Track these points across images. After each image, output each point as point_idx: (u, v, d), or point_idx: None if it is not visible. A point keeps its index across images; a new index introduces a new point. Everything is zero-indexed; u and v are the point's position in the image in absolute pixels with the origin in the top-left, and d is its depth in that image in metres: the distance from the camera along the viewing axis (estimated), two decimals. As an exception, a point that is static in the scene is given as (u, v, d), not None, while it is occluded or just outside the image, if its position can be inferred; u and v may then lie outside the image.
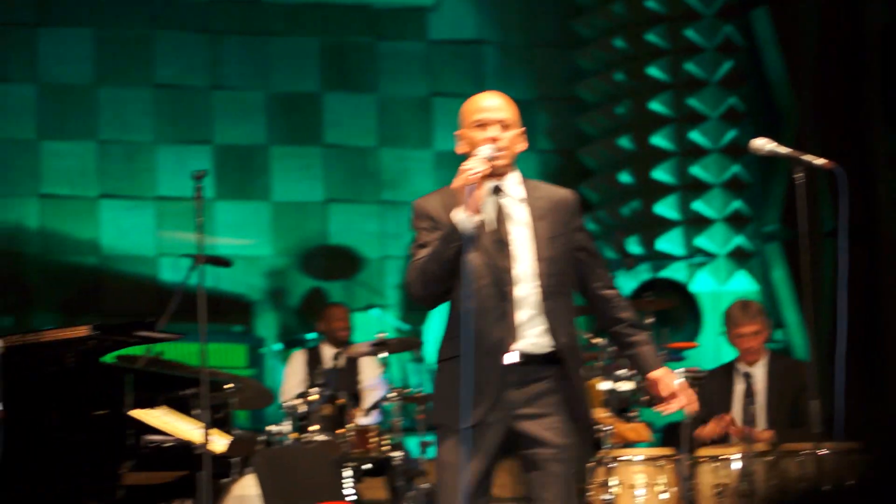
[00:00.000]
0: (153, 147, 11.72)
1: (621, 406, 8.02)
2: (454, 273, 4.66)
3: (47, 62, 11.53)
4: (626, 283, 11.70)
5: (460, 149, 4.84)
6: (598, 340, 8.29)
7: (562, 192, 4.88)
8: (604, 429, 7.69)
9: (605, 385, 8.00)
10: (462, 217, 4.58)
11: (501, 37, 12.61)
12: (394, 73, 12.32)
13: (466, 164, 4.62)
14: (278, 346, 11.69)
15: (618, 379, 8.02)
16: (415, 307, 11.92)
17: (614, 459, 7.41)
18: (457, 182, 4.60)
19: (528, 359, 4.70)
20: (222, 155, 11.76)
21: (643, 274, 11.84)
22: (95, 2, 11.68)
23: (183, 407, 6.66)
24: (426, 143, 12.31)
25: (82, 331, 5.73)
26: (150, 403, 6.25)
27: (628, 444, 7.76)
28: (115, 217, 11.55)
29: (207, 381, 6.13)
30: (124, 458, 5.91)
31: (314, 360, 9.69)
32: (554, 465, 4.72)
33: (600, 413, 7.86)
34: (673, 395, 4.80)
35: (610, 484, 7.36)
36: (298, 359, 9.82)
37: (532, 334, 4.72)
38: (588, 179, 12.37)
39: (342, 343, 9.71)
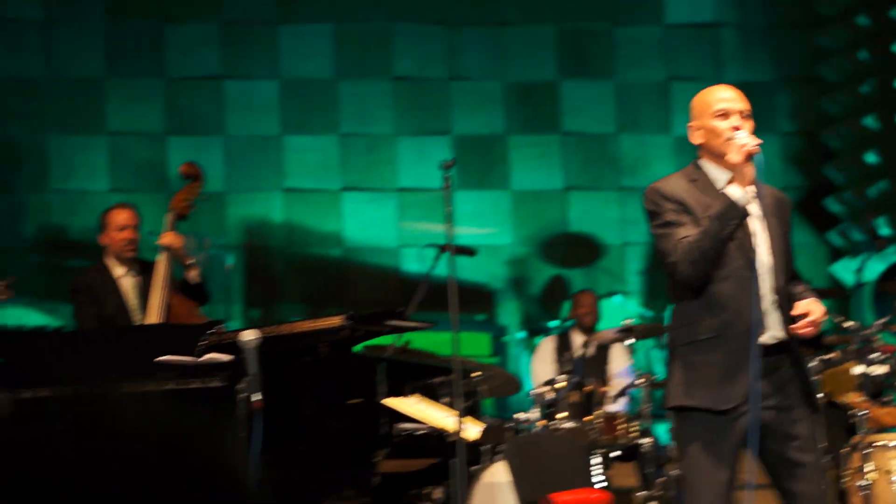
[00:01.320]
0: (393, 139, 11.83)
1: (876, 390, 7.78)
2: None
3: (289, 58, 11.73)
4: (875, 265, 11.36)
5: (696, 139, 4.96)
6: (851, 324, 8.07)
7: (780, 192, 5.06)
8: (858, 413, 7.48)
9: (858, 369, 7.77)
10: (739, 192, 4.70)
11: (740, 18, 12.36)
12: (631, 59, 12.19)
13: (739, 138, 4.71)
14: (521, 334, 11.69)
15: (871, 363, 7.79)
16: (657, 293, 11.80)
17: (870, 445, 7.22)
18: (733, 156, 4.68)
19: (771, 347, 4.77)
20: (461, 145, 11.80)
21: (893, 256, 11.49)
22: (334, -2, 11.86)
23: (432, 395, 6.70)
24: (665, 129, 12.15)
25: (336, 321, 5.77)
26: (398, 392, 6.29)
27: (884, 428, 7.54)
28: (357, 209, 11.70)
29: (460, 370, 6.13)
30: (378, 446, 5.96)
31: (563, 346, 9.67)
32: (804, 456, 4.73)
33: (854, 397, 7.65)
34: (805, 314, 4.79)
35: (866, 469, 7.16)
36: (547, 346, 9.82)
37: (771, 324, 4.80)
38: (833, 161, 12.05)
39: (589, 330, 9.67)
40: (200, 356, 5.61)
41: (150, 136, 11.49)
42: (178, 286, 7.51)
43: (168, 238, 7.46)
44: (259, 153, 11.62)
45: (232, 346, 5.62)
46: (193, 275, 7.58)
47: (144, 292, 7.44)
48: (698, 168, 4.97)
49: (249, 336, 5.32)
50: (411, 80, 11.90)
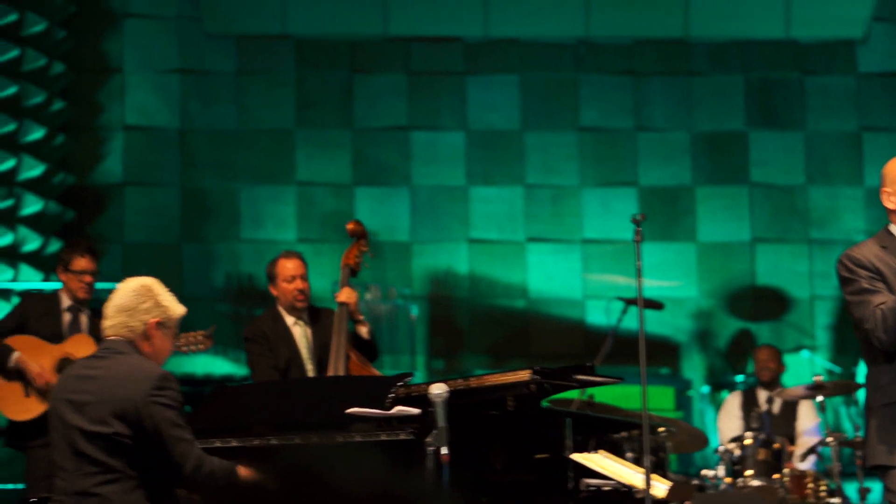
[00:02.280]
0: (579, 190, 11.80)
1: None
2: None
3: (475, 109, 11.80)
4: None
5: (889, 204, 5.04)
6: None
7: None
8: None
9: None
10: None
11: (937, 66, 12.10)
12: (821, 108, 11.99)
13: None
14: (706, 389, 11.52)
15: None
16: (845, 349, 11.54)
17: None
18: None
19: None
20: (647, 196, 11.71)
21: None
22: (521, 48, 11.89)
23: (616, 450, 6.62)
24: (856, 180, 11.91)
25: (524, 375, 5.74)
26: (583, 446, 6.22)
27: None
28: (541, 260, 11.68)
29: (649, 425, 6.04)
30: (565, 500, 5.90)
31: (750, 402, 9.49)
32: None
33: None
34: None
35: None
36: (733, 401, 9.65)
37: None
38: None
39: (768, 385, 9.48)
40: (389, 409, 5.62)
41: (338, 187, 11.64)
42: (350, 341, 7.55)
43: (345, 294, 7.51)
44: (445, 204, 11.69)
45: (420, 399, 5.62)
46: (365, 330, 7.61)
47: (317, 342, 7.50)
48: (889, 234, 5.04)
49: (438, 389, 5.31)
50: (597, 130, 11.86)
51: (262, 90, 11.72)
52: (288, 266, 7.55)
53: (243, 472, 4.96)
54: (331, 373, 7.34)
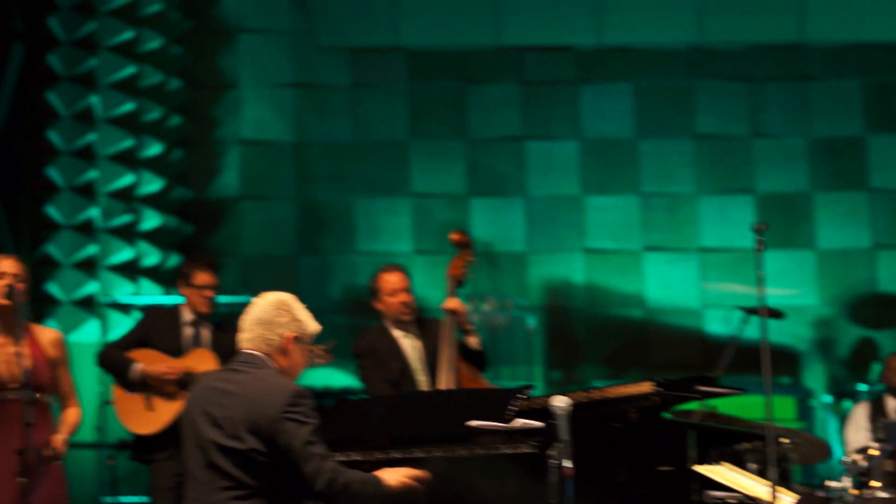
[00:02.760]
0: (695, 198, 11.70)
1: None
2: None
3: (589, 118, 11.75)
4: None
5: None
6: None
7: None
8: None
9: None
10: None
11: None
12: (943, 111, 11.78)
13: None
14: (828, 398, 11.35)
15: None
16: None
17: None
18: None
19: None
20: (765, 204, 11.58)
21: None
22: (634, 56, 11.82)
23: (738, 462, 6.54)
24: (978, 185, 11.69)
25: (646, 387, 5.71)
26: (704, 458, 6.16)
27: None
28: (659, 270, 11.59)
29: (774, 437, 5.96)
30: (689, 514, 5.84)
31: (877, 412, 9.34)
32: None
33: None
34: None
35: None
36: (861, 411, 9.50)
37: None
38: None
39: (896, 393, 9.32)
40: (511, 421, 5.60)
41: (453, 198, 11.66)
42: (459, 351, 7.53)
43: (453, 303, 7.50)
44: (560, 213, 11.65)
45: (541, 412, 5.59)
46: (474, 341, 7.59)
47: (428, 353, 7.50)
48: None
49: (561, 402, 5.28)
50: (713, 137, 11.75)
51: (376, 102, 11.78)
52: (391, 280, 7.55)
53: (391, 479, 4.96)
54: (441, 384, 7.34)
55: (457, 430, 5.76)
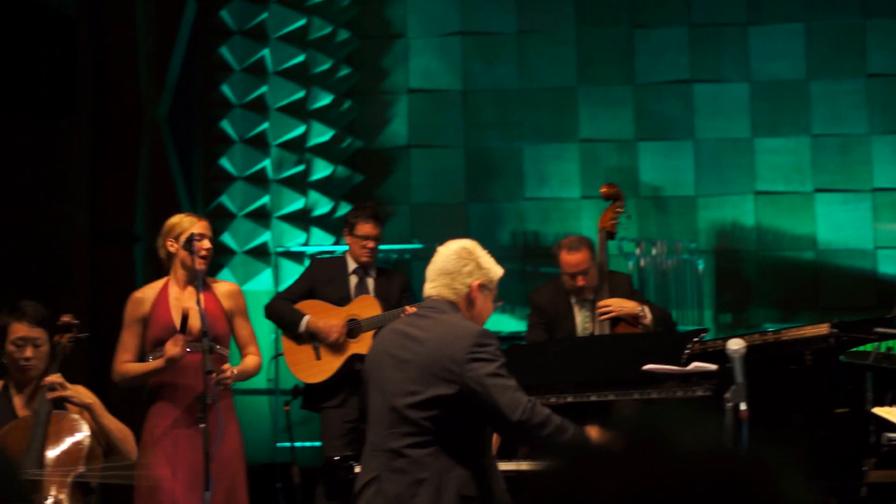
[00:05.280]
0: (867, 139, 11.50)
1: None
2: None
3: (759, 60, 11.60)
4: None
5: None
6: None
7: None
8: None
9: None
10: None
11: None
12: None
13: None
14: None
15: None
16: None
17: None
18: None
19: None
20: (941, 143, 11.36)
21: None
22: (805, -4, 11.65)
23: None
24: None
25: (822, 329, 5.68)
26: (880, 400, 6.10)
27: None
28: (830, 211, 11.44)
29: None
30: (866, 456, 5.80)
31: None
32: None
33: None
34: None
35: None
36: None
37: None
38: None
39: None
40: (686, 365, 5.62)
41: (621, 143, 11.63)
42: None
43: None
44: (730, 156, 11.55)
45: (715, 355, 5.60)
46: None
47: (595, 324, 7.46)
48: None
49: (736, 345, 5.28)
50: (886, 77, 11.52)
51: (543, 49, 11.78)
52: (569, 261, 7.52)
53: (595, 433, 4.82)
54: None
55: (631, 374, 5.80)
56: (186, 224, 6.62)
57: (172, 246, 6.61)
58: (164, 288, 6.61)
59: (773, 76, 11.58)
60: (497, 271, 5.07)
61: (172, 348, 6.38)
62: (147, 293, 6.62)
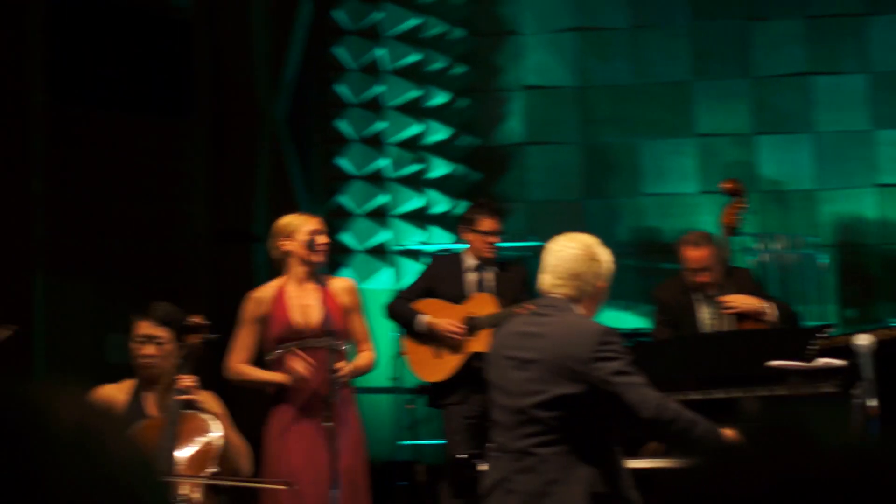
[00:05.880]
0: None
1: None
2: None
3: (879, 51, 11.42)
4: None
5: None
6: None
7: None
8: None
9: None
10: None
11: None
12: None
13: None
14: None
15: None
16: None
17: None
18: None
19: None
20: None
21: None
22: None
23: None
24: None
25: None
26: None
27: None
28: (957, 203, 11.24)
29: None
30: None
31: None
32: None
33: None
34: None
35: None
36: None
37: None
38: None
39: None
40: (812, 361, 5.55)
41: (738, 137, 11.52)
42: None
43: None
44: (850, 149, 11.39)
45: (842, 351, 5.53)
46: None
47: (719, 320, 7.38)
48: None
49: (864, 340, 5.21)
50: None
51: (658, 43, 11.70)
52: (693, 257, 7.46)
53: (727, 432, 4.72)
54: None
55: (757, 370, 5.74)
56: (299, 222, 6.68)
57: (287, 245, 6.66)
58: (282, 287, 6.66)
59: (893, 67, 11.39)
60: (612, 264, 5.04)
61: (300, 368, 6.42)
62: (265, 293, 6.67)
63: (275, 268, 6.77)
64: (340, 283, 6.81)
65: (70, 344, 9.33)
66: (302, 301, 6.61)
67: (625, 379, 4.71)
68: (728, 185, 7.70)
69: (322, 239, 6.64)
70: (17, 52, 9.23)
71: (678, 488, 1.67)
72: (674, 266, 7.78)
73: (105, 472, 1.41)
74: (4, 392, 1.45)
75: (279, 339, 6.56)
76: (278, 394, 6.58)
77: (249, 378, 6.62)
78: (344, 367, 6.51)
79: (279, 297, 6.63)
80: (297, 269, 6.66)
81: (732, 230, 7.58)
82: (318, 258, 6.61)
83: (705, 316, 7.43)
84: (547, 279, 4.98)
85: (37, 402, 1.44)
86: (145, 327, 5.97)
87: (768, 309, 7.24)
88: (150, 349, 5.94)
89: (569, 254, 4.96)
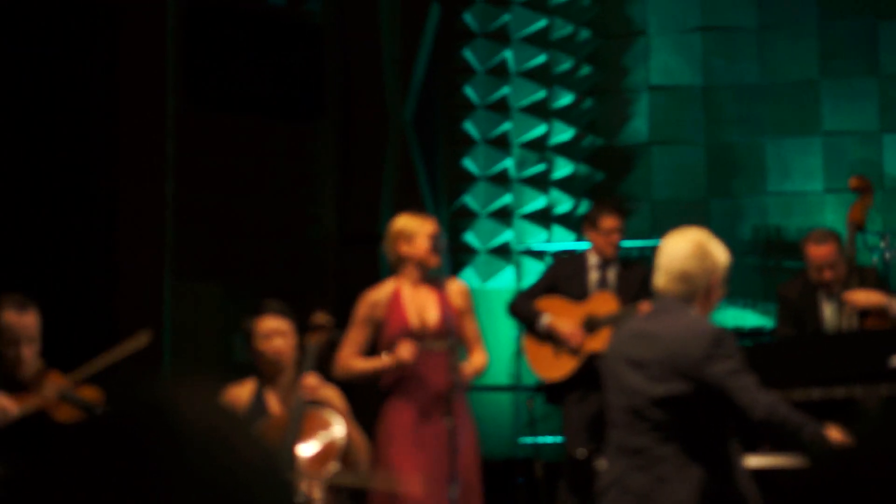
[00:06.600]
0: None
1: None
2: None
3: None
4: None
5: None
6: None
7: None
8: None
9: None
10: None
11: None
12: None
13: None
14: None
15: None
16: None
17: None
18: None
19: None
20: None
21: None
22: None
23: None
24: None
25: None
26: None
27: None
28: None
29: None
30: None
31: None
32: None
33: None
34: None
35: None
36: None
37: None
38: None
39: None
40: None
41: (865, 135, 11.43)
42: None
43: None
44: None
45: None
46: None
47: (842, 317, 7.34)
48: None
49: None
50: None
51: (785, 43, 11.64)
52: (816, 254, 7.42)
53: (834, 434, 4.76)
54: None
55: (880, 368, 5.73)
56: (417, 225, 6.74)
57: (406, 247, 6.74)
58: (397, 289, 6.73)
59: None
60: (727, 260, 5.02)
61: (405, 353, 6.52)
62: (380, 295, 6.74)
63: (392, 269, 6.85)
64: (454, 286, 6.85)
65: (198, 346, 9.55)
66: (418, 303, 6.69)
67: (736, 380, 4.74)
68: (855, 182, 7.68)
69: (440, 242, 6.72)
70: (154, 57, 9.47)
71: (794, 488, 1.72)
72: (798, 264, 7.78)
73: (231, 470, 1.50)
74: (136, 392, 1.54)
75: (396, 341, 6.61)
76: (394, 391, 6.66)
77: (357, 370, 6.66)
78: (464, 369, 6.61)
79: (395, 300, 6.69)
80: (413, 272, 6.74)
81: (858, 227, 7.55)
82: (437, 261, 6.70)
83: (828, 313, 7.41)
84: (660, 278, 5.01)
85: (167, 402, 1.53)
86: (268, 321, 6.08)
87: (892, 305, 7.21)
88: (278, 341, 6.05)
89: (680, 252, 4.97)
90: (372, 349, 6.73)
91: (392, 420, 6.64)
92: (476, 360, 6.79)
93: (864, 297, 7.24)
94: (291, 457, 5.70)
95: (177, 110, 9.55)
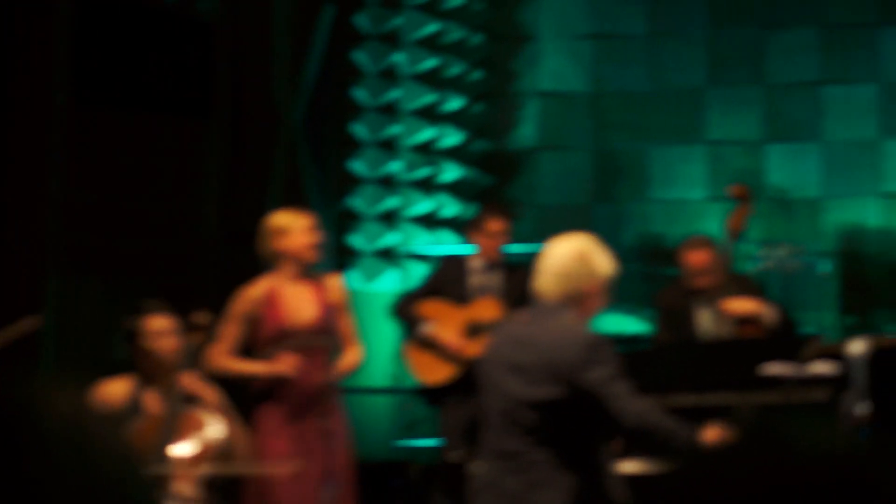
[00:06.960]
0: None
1: None
2: None
3: (890, 61, 11.48)
4: None
5: None
6: None
7: None
8: None
9: None
10: None
11: None
12: None
13: None
14: None
15: None
16: None
17: None
18: None
19: None
20: None
21: None
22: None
23: None
24: None
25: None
26: None
27: None
28: (954, 212, 11.29)
29: None
30: None
31: None
32: None
33: None
34: None
35: None
36: None
37: None
38: None
39: None
40: (804, 367, 5.65)
41: (748, 145, 11.59)
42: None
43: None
44: (857, 158, 11.45)
45: (836, 358, 5.62)
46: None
47: (721, 327, 7.44)
48: None
49: (857, 347, 5.29)
50: None
51: (673, 50, 11.77)
52: (691, 261, 7.53)
53: (711, 434, 4.83)
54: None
55: (750, 376, 5.82)
56: (293, 220, 6.72)
57: (282, 243, 6.71)
58: (274, 286, 6.71)
59: (900, 78, 11.47)
60: (610, 269, 5.03)
61: (287, 367, 6.48)
62: (257, 291, 6.71)
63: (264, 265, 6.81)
64: (331, 281, 6.84)
65: (79, 341, 9.44)
66: (296, 300, 6.66)
67: (610, 387, 4.77)
68: (735, 190, 7.77)
69: (318, 236, 6.72)
70: (42, 51, 9.36)
71: (663, 493, 1.75)
72: (677, 272, 7.87)
73: (93, 467, 1.51)
74: (5, 389, 1.54)
75: (273, 338, 6.60)
76: (268, 391, 6.61)
77: (233, 371, 6.62)
78: (339, 365, 6.61)
79: (272, 296, 6.66)
80: (290, 268, 6.71)
81: (737, 235, 7.64)
82: (314, 256, 6.68)
83: (705, 321, 7.51)
84: (540, 281, 5.02)
85: (35, 399, 1.53)
86: (158, 320, 6.05)
87: (767, 314, 7.32)
88: (166, 341, 6.00)
89: (561, 256, 4.99)
90: (246, 347, 6.70)
91: (265, 418, 6.60)
92: (351, 356, 6.78)
93: (739, 305, 7.34)
94: (165, 455, 5.66)
95: (65, 105, 9.45)
